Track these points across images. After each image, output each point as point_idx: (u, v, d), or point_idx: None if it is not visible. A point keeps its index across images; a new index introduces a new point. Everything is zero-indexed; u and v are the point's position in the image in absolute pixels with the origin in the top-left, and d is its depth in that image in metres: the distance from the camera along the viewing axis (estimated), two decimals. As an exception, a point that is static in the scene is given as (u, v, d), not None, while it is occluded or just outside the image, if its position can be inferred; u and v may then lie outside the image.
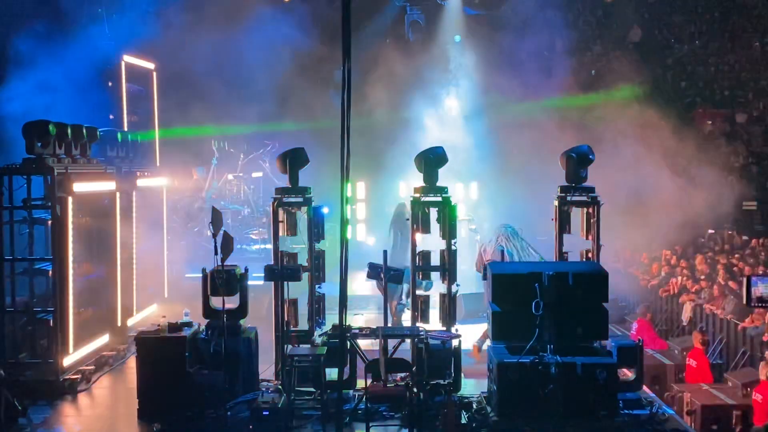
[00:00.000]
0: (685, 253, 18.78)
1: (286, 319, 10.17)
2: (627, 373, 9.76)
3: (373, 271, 11.47)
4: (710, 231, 21.67)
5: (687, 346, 13.30)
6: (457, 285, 10.68)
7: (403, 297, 11.98)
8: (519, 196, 18.05)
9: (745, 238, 21.12)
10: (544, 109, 20.37)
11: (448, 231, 10.44)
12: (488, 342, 9.74)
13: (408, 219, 10.71)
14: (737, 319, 13.73)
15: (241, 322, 9.86)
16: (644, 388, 9.66)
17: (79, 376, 10.56)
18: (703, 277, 16.35)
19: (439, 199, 10.52)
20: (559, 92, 20.58)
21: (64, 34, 13.85)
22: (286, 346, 9.87)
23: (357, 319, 13.81)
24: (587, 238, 10.56)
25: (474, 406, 9.05)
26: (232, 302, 9.60)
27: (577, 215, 10.72)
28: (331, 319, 10.64)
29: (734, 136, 26.46)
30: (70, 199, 10.58)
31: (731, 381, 11.80)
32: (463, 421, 8.69)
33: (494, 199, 19.16)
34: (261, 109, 18.50)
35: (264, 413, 8.75)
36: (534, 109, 20.15)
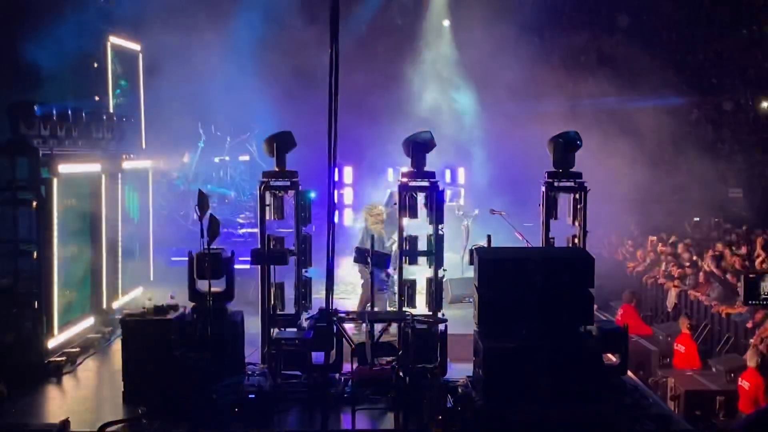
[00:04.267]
0: (670, 240, 18.86)
1: (272, 302, 10.14)
2: (612, 359, 9.82)
3: (360, 256, 11.44)
4: (695, 218, 21.81)
5: (672, 331, 13.38)
6: (444, 270, 10.68)
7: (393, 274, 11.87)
8: (507, 182, 18.06)
9: (728, 225, 21.27)
10: (534, 94, 20.35)
11: (435, 216, 10.43)
12: None
13: (395, 203, 10.68)
14: (721, 305, 13.82)
15: (228, 305, 9.83)
16: (629, 373, 9.71)
17: (64, 358, 10.51)
18: (688, 263, 16.43)
19: (427, 184, 10.49)
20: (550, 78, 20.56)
21: (49, 14, 13.65)
22: (272, 329, 9.86)
23: (344, 303, 13.79)
24: (574, 224, 10.58)
25: (459, 390, 9.07)
26: (218, 286, 9.57)
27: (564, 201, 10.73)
28: (318, 302, 10.63)
29: (721, 124, 26.57)
30: (55, 181, 10.50)
31: (715, 367, 11.88)
32: (449, 404, 8.71)
33: (482, 185, 19.14)
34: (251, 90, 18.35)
35: (250, 396, 8.75)
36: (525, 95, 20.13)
